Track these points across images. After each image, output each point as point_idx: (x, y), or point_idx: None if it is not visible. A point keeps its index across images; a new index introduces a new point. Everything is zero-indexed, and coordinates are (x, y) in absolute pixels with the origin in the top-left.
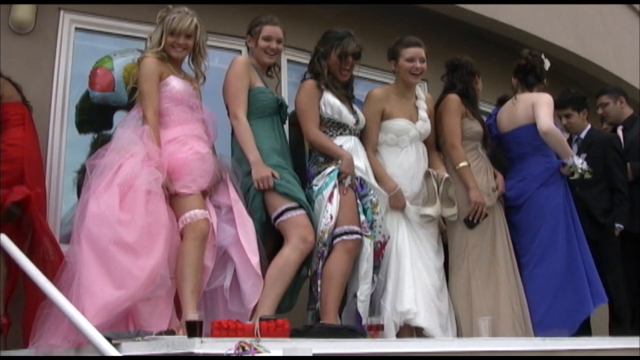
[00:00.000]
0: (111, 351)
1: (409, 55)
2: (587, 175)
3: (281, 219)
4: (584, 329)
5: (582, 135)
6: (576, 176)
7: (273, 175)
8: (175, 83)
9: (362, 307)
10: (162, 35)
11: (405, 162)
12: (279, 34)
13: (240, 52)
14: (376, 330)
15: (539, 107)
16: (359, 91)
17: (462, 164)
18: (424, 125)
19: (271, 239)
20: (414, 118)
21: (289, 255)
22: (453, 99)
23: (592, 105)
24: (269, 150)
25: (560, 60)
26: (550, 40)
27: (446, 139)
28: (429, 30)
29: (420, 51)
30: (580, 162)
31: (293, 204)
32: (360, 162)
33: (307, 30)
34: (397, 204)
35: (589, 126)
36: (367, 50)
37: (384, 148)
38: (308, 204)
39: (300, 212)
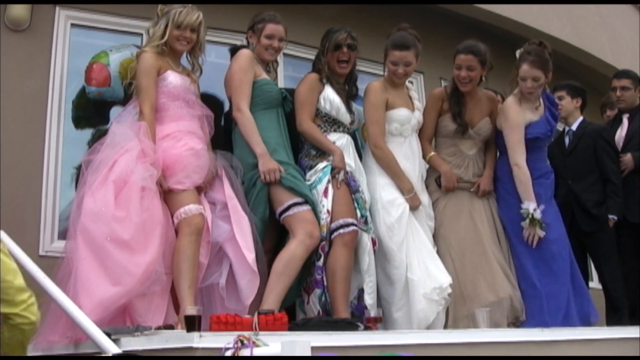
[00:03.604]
0: (110, 347)
1: (393, 59)
2: (538, 227)
3: (287, 213)
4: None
5: (574, 127)
6: (527, 222)
7: (279, 170)
8: (172, 78)
9: (370, 299)
10: (166, 28)
11: (410, 151)
12: (281, 32)
13: (240, 44)
14: (374, 323)
15: None
16: (360, 84)
17: (429, 156)
18: (420, 114)
19: (272, 235)
20: (411, 107)
21: (295, 250)
22: (430, 94)
23: (591, 99)
24: (275, 145)
25: (556, 51)
26: (546, 32)
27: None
28: (426, 23)
29: (405, 55)
30: (532, 209)
31: (299, 199)
32: (351, 160)
33: (304, 24)
34: (415, 203)
35: (581, 118)
36: (367, 44)
37: (388, 138)
38: (313, 200)
39: (306, 207)
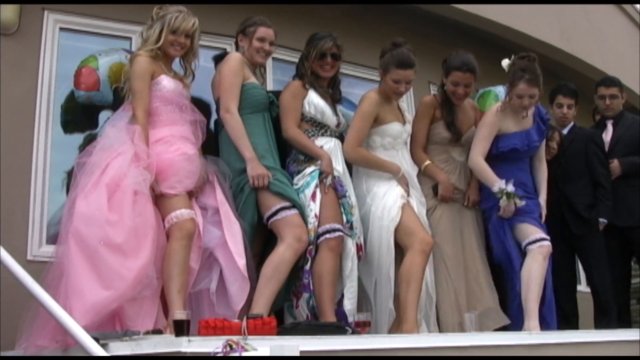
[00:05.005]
0: (99, 351)
1: (397, 77)
2: (515, 199)
3: (275, 218)
4: (570, 323)
5: (565, 131)
6: (503, 199)
7: (268, 175)
8: (166, 82)
9: (350, 304)
10: (161, 32)
11: (404, 163)
12: (272, 36)
13: (224, 50)
14: (363, 327)
15: None
16: (358, 90)
17: (424, 164)
18: (410, 127)
19: (259, 240)
20: (401, 120)
21: (283, 254)
22: (422, 102)
23: (580, 103)
24: (263, 152)
25: (544, 56)
26: (535, 36)
27: (410, 142)
28: (416, 28)
29: (409, 74)
30: (503, 185)
31: (287, 204)
32: (339, 164)
33: (292, 29)
34: (405, 182)
35: (572, 123)
36: (363, 49)
37: (381, 152)
38: (301, 205)
39: (294, 211)
